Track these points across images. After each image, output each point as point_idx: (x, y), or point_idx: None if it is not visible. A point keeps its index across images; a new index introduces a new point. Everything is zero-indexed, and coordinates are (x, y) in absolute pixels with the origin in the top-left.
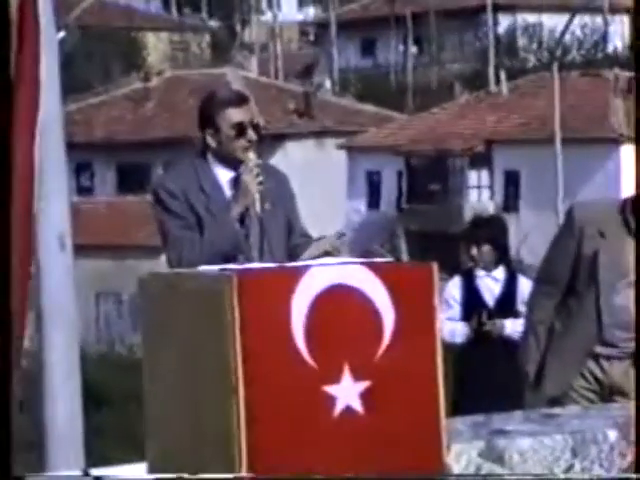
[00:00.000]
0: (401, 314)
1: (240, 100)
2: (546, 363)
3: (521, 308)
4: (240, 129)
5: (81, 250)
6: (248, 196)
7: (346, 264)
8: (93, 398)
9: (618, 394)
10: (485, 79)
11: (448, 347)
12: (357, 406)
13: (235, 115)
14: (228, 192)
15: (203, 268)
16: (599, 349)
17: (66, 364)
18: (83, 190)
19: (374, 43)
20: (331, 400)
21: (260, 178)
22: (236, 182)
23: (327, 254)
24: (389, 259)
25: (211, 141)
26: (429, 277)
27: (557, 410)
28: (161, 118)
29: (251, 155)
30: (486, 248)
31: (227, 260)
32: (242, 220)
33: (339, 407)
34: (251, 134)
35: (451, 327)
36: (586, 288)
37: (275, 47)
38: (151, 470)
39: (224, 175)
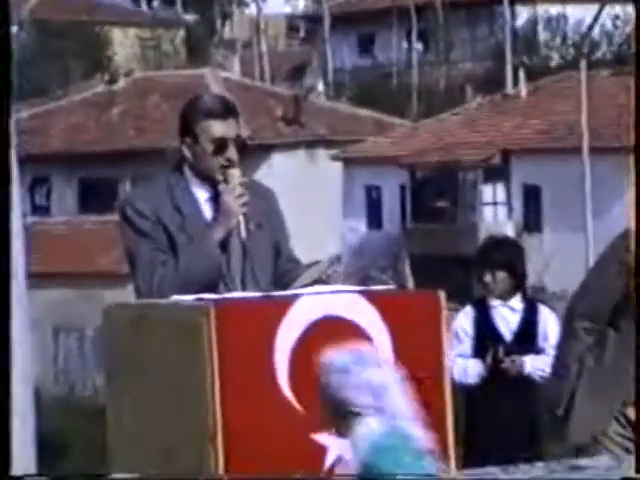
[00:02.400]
0: (401, 350)
1: (226, 111)
2: (574, 404)
3: (542, 343)
4: (220, 145)
5: (36, 278)
6: (231, 219)
7: (339, 293)
8: (50, 449)
9: None
10: (501, 80)
11: (459, 388)
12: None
13: (216, 128)
14: (207, 212)
15: (176, 298)
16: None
17: (19, 410)
18: (39, 209)
19: (373, 39)
20: (321, 450)
21: (245, 199)
22: (216, 201)
23: (319, 282)
24: (390, 287)
25: (187, 153)
26: (435, 307)
27: (584, 461)
28: (129, 126)
29: (234, 172)
30: (501, 275)
31: (205, 289)
32: (223, 244)
33: (330, 458)
34: (232, 152)
35: (462, 365)
36: (629, 325)
37: (260, 44)
38: None
39: (202, 193)
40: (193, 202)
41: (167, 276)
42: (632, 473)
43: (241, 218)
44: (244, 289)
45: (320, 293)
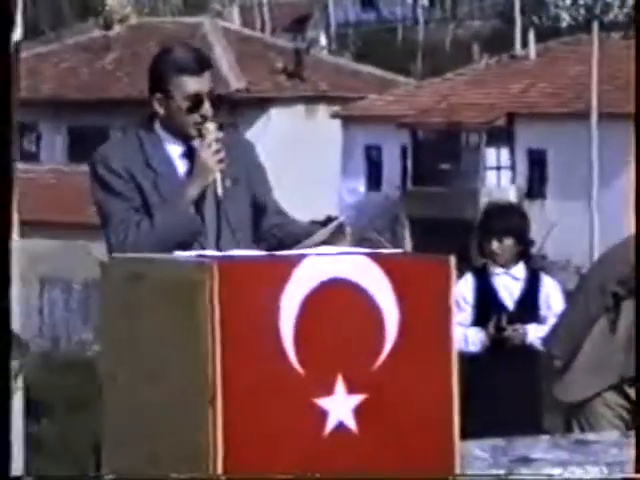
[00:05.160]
0: (408, 316)
1: (200, 66)
2: (577, 359)
3: (545, 312)
4: (195, 102)
5: (24, 227)
6: (206, 176)
7: (347, 255)
8: (32, 405)
9: None
10: (509, 40)
11: (458, 356)
12: (350, 423)
13: (191, 84)
14: (180, 169)
15: (177, 254)
16: None
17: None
18: (27, 156)
19: None
20: (322, 415)
21: (221, 154)
22: (190, 157)
23: (326, 243)
24: (396, 250)
25: (159, 108)
26: (445, 273)
27: (591, 436)
28: (123, 73)
29: (210, 126)
30: (509, 242)
31: (180, 248)
32: (197, 202)
33: (331, 423)
34: (206, 108)
35: (462, 333)
36: None
37: None
38: None
39: (175, 148)
40: (166, 158)
41: (141, 236)
42: (632, 473)
43: (217, 175)
44: (219, 248)
45: (327, 254)
